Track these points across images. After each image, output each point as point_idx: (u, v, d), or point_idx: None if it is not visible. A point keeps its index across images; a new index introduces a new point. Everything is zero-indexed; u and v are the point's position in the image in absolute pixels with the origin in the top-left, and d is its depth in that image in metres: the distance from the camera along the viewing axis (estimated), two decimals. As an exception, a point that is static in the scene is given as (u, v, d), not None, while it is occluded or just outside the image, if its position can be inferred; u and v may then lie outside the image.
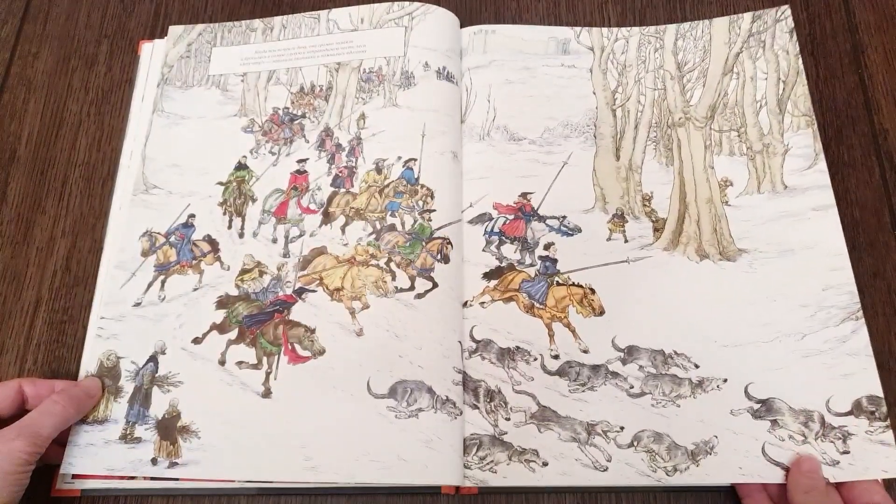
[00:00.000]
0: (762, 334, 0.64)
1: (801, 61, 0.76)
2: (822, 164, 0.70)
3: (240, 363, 0.65)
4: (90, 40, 0.84)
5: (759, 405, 0.61)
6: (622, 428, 0.61)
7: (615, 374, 0.63)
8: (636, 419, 0.61)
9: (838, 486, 0.58)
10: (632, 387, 0.63)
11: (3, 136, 0.79)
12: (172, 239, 0.71)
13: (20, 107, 0.80)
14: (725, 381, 0.62)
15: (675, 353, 0.64)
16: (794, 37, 0.77)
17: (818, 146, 0.71)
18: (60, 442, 0.61)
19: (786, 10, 0.78)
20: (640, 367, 0.64)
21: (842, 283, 0.65)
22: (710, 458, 0.60)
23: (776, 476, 0.59)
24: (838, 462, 0.59)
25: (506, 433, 0.61)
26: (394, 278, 0.67)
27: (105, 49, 0.83)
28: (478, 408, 0.63)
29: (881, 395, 0.61)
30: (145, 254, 0.70)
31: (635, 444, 0.61)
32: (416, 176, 0.72)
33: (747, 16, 0.79)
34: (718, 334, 0.64)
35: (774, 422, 0.61)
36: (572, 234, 0.70)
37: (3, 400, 0.59)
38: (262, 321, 0.66)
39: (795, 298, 0.65)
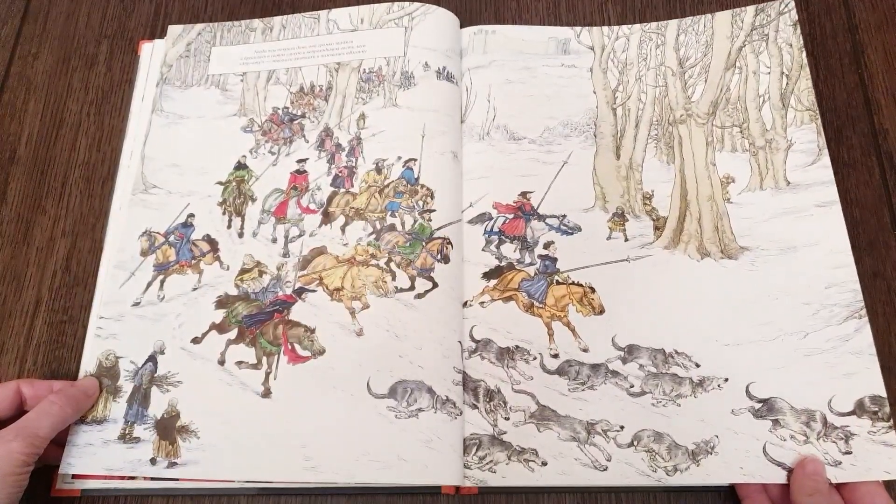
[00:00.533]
0: (764, 333, 0.64)
1: (804, 55, 0.75)
2: (826, 160, 0.70)
3: (239, 363, 0.64)
4: (90, 40, 0.84)
5: (760, 405, 0.61)
6: (622, 427, 0.61)
7: (615, 373, 0.63)
8: (636, 418, 0.61)
9: (840, 489, 0.58)
10: (632, 386, 0.63)
11: (3, 136, 0.79)
12: (172, 238, 0.71)
13: (20, 107, 0.80)
14: (726, 380, 0.62)
15: (676, 352, 0.64)
16: (798, 29, 0.76)
17: (822, 141, 0.71)
18: (59, 442, 0.60)
19: (789, 3, 0.77)
20: (641, 366, 0.63)
21: (845, 280, 0.65)
22: (711, 458, 0.59)
23: (778, 476, 0.59)
24: (840, 463, 0.58)
25: (505, 433, 0.61)
26: (394, 278, 0.67)
27: (105, 49, 0.83)
28: (477, 408, 0.62)
29: (884, 394, 0.60)
30: (144, 253, 0.70)
31: (635, 443, 0.60)
32: (416, 176, 0.72)
33: (750, 9, 0.78)
34: (720, 333, 0.64)
35: (776, 421, 0.60)
36: (572, 233, 0.70)
37: (1, 401, 0.58)
38: (261, 321, 0.66)
39: (798, 296, 0.65)
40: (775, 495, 0.59)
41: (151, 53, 0.81)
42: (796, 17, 0.77)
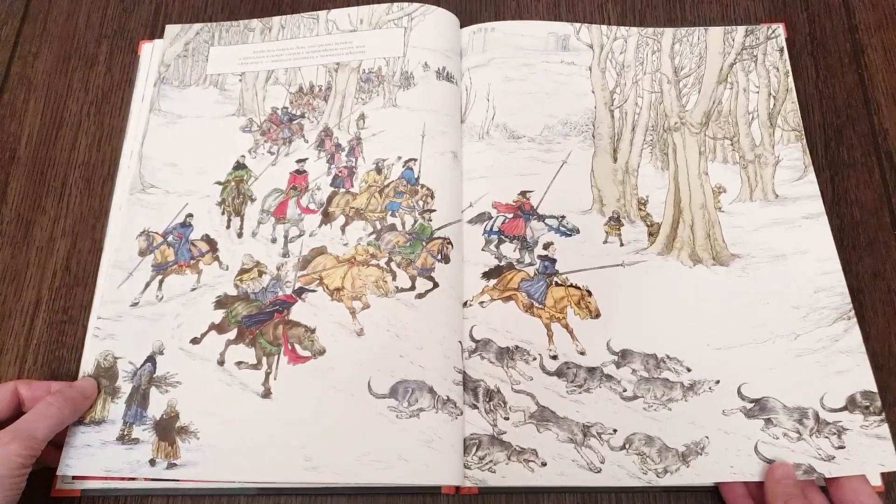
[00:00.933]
0: (755, 336, 0.64)
1: (790, 79, 0.76)
2: (812, 176, 0.71)
3: (239, 363, 0.65)
4: (90, 40, 0.84)
5: (752, 405, 0.62)
6: (615, 430, 0.61)
7: (609, 377, 0.64)
8: (629, 422, 0.62)
9: (826, 486, 0.59)
10: (625, 390, 0.63)
11: (3, 136, 0.79)
12: (170, 238, 0.71)
13: (20, 107, 0.80)
14: (718, 382, 0.63)
15: (668, 356, 0.64)
16: (785, 55, 0.77)
17: (807, 159, 0.72)
18: (57, 444, 0.60)
19: (777, 29, 0.79)
20: (633, 370, 0.64)
21: (833, 285, 0.66)
22: (701, 459, 0.60)
23: (769, 474, 0.59)
24: (834, 457, 0.59)
25: (505, 433, 0.62)
26: (394, 278, 0.67)
27: (105, 49, 0.83)
28: (477, 407, 0.63)
29: (875, 389, 0.61)
30: (142, 253, 0.70)
31: (627, 446, 0.61)
32: (416, 176, 0.72)
33: (740, 29, 0.79)
34: (712, 337, 0.65)
35: (768, 420, 0.61)
36: (571, 235, 0.70)
37: (-2, 402, 0.58)
38: (261, 321, 0.66)
39: (788, 301, 0.65)
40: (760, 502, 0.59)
41: (151, 53, 0.81)
42: (783, 44, 0.78)
